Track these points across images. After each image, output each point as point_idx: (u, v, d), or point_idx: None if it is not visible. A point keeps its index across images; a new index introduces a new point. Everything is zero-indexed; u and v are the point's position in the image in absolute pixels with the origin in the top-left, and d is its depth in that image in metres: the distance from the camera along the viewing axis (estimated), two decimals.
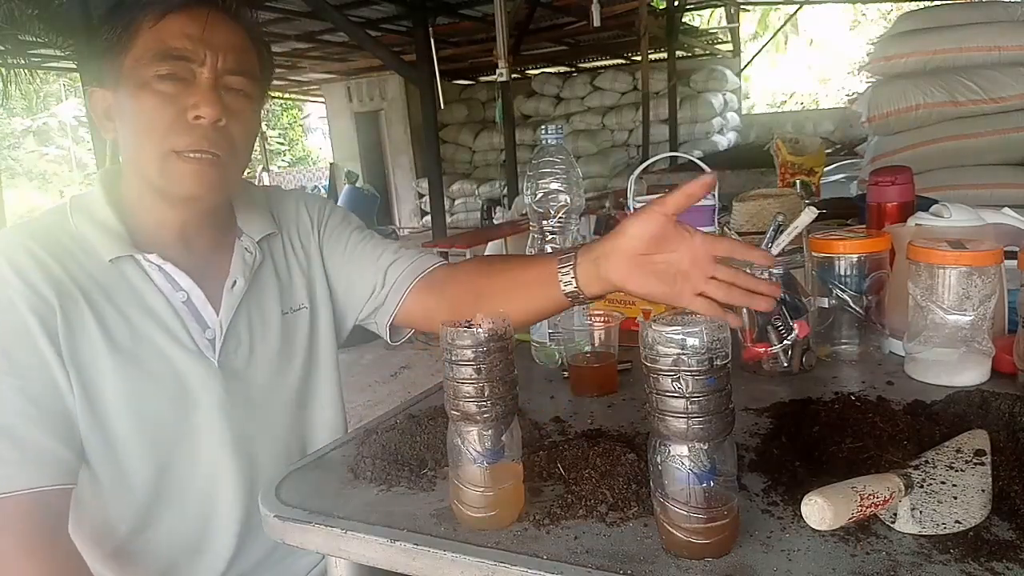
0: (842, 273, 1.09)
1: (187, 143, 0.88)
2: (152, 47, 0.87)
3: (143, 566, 0.95)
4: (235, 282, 0.99)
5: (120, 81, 0.89)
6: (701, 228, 0.81)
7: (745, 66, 12.50)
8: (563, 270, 0.88)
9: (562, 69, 12.52)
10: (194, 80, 0.88)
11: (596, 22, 6.45)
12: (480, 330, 0.69)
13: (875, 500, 0.61)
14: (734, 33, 12.23)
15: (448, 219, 8.73)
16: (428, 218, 9.52)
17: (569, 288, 0.88)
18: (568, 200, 1.13)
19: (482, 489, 0.70)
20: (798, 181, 2.79)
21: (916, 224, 1.19)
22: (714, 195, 1.69)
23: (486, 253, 7.39)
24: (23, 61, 8.44)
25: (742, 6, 12.22)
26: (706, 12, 13.39)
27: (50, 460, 0.83)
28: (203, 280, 0.96)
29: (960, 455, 0.70)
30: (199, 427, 0.94)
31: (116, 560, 0.94)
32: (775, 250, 1.06)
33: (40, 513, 0.82)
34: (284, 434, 1.02)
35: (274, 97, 15.02)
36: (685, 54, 11.38)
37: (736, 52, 12.22)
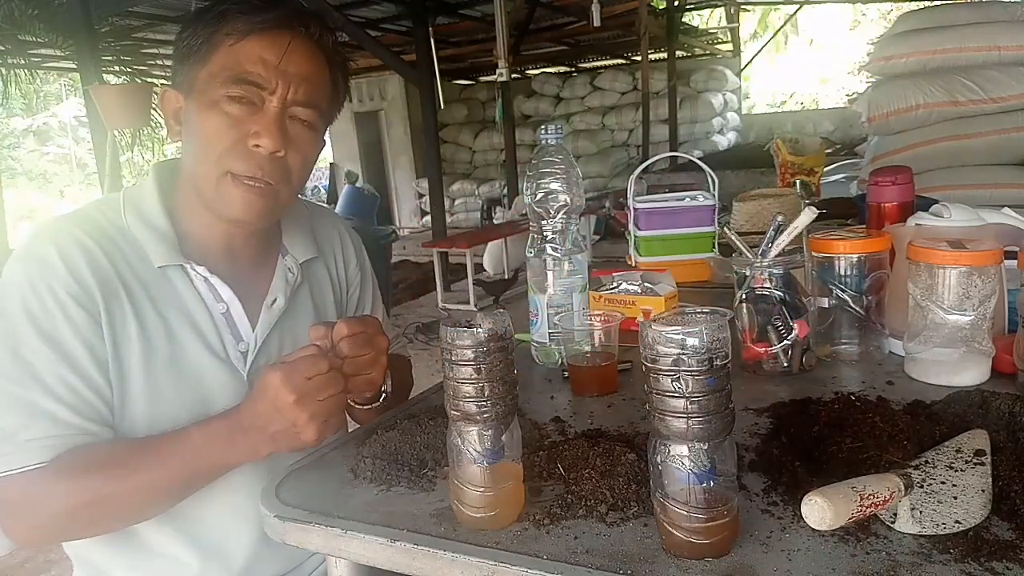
0: (842, 273, 1.09)
1: (243, 168, 0.89)
2: (228, 66, 0.88)
3: (158, 559, 0.95)
4: (275, 300, 1.01)
5: (192, 90, 0.90)
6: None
7: (745, 66, 12.50)
8: None
9: (562, 69, 12.51)
10: (261, 107, 0.89)
11: (596, 22, 6.46)
12: (480, 330, 0.69)
13: (875, 500, 0.61)
14: (734, 33, 12.22)
15: (448, 219, 8.73)
16: (428, 218, 9.52)
17: None
18: (568, 200, 1.13)
19: (482, 489, 0.70)
20: (798, 181, 2.80)
21: (916, 224, 1.19)
22: (714, 195, 1.69)
23: (486, 253, 7.42)
24: (23, 61, 8.43)
25: (742, 6, 12.22)
26: (706, 12, 13.38)
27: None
28: (244, 294, 0.98)
29: (960, 455, 0.70)
30: None
31: (131, 552, 0.94)
32: (775, 250, 1.06)
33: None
34: None
35: None
36: (685, 54, 11.38)
37: (736, 52, 12.22)
